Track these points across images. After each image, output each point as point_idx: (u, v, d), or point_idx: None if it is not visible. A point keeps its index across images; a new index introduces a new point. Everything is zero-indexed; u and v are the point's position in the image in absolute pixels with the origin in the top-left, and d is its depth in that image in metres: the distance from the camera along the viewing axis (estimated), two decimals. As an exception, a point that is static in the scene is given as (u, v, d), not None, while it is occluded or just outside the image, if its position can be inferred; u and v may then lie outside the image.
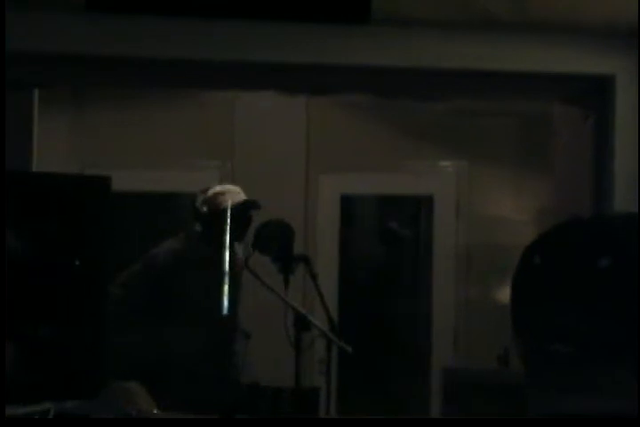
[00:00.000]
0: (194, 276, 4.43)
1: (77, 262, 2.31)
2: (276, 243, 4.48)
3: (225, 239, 4.37)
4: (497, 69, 4.22)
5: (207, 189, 4.59)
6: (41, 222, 2.24)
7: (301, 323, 4.30)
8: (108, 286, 4.54)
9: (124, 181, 4.96)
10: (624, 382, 1.16)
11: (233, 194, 4.51)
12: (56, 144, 5.98)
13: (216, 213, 4.40)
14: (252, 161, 6.25)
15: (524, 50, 4.20)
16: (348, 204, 6.64)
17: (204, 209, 4.44)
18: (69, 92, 5.69)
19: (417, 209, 6.79)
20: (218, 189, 4.55)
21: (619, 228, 1.22)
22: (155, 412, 1.46)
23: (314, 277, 4.45)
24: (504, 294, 6.31)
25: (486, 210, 6.55)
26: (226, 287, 4.21)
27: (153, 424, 1.30)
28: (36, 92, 4.48)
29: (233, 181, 5.87)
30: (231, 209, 4.40)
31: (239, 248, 4.56)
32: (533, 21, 4.13)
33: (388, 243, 6.54)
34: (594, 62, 4.20)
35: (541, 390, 1.20)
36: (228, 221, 4.33)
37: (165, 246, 4.71)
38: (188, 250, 4.53)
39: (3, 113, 3.87)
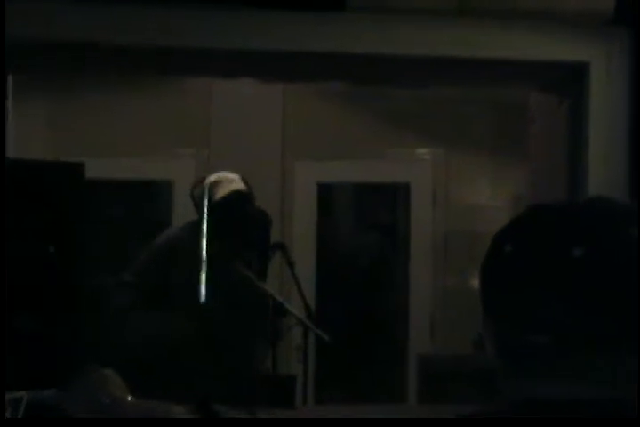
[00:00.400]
0: (189, 265, 4.40)
1: (52, 249, 2.30)
2: (254, 231, 4.48)
3: (217, 229, 4.36)
4: (473, 57, 4.21)
5: (204, 178, 4.56)
6: (14, 209, 2.22)
7: (278, 310, 4.30)
8: (120, 274, 4.55)
9: (100, 168, 4.95)
10: (600, 369, 1.16)
11: (226, 183, 4.47)
12: (31, 131, 5.95)
13: (209, 203, 4.38)
14: (228, 148, 6.24)
15: (499, 37, 4.21)
16: (325, 191, 6.64)
17: (198, 199, 4.42)
18: (44, 79, 5.65)
19: (394, 197, 6.80)
20: (213, 178, 4.51)
21: (592, 215, 1.21)
22: (129, 399, 1.46)
23: (291, 264, 4.45)
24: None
25: (463, 197, 6.57)
26: (217, 278, 4.22)
27: (153, 424, 1.30)
28: (10, 79, 4.45)
29: (209, 169, 5.86)
30: (223, 199, 4.38)
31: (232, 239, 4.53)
32: (509, 9, 4.13)
33: (375, 236, 6.58)
34: (569, 50, 4.20)
35: (512, 377, 1.20)
36: (220, 211, 4.33)
37: (166, 235, 4.69)
38: (187, 239, 4.50)
39: (3, 112, 3.85)
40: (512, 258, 1.20)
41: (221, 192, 4.43)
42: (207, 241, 4.32)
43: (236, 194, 4.45)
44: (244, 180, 4.54)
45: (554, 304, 1.16)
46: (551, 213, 1.23)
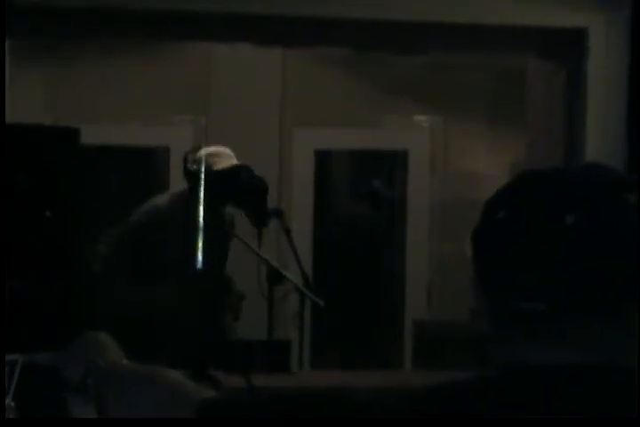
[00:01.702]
0: (177, 233, 4.40)
1: (48, 214, 2.29)
2: (250, 197, 4.48)
3: (214, 198, 4.36)
4: (471, 23, 4.20)
5: (199, 148, 4.54)
6: (11, 173, 2.22)
7: (274, 277, 4.31)
8: (95, 243, 4.54)
9: (98, 134, 4.94)
10: (593, 335, 1.17)
11: (225, 157, 4.47)
12: (29, 97, 5.93)
13: (207, 173, 4.37)
14: (226, 115, 6.22)
15: (497, 3, 4.19)
16: (323, 158, 6.63)
17: (195, 168, 4.40)
18: (42, 44, 5.63)
19: (392, 164, 6.79)
20: (211, 149, 4.50)
21: (586, 181, 1.21)
22: (124, 362, 1.46)
23: (288, 231, 4.45)
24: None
25: (461, 165, 6.56)
26: (212, 245, 4.23)
27: (153, 424, 1.30)
28: (9, 44, 4.43)
29: (207, 135, 5.85)
30: (223, 171, 4.38)
31: (228, 209, 4.53)
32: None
33: (371, 203, 6.55)
34: (567, 16, 4.18)
35: (503, 343, 1.20)
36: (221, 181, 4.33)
37: (150, 204, 4.67)
38: (172, 207, 4.49)
39: (3, 105, 3.84)
40: (505, 224, 1.20)
41: (221, 164, 4.42)
42: (203, 209, 4.32)
43: (237, 167, 4.44)
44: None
45: (547, 271, 1.16)
46: (545, 179, 1.22)
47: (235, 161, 4.46)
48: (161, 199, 4.65)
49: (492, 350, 1.22)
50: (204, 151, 4.46)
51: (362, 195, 6.60)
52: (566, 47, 4.29)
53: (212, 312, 4.47)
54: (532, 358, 1.18)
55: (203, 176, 4.28)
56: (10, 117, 4.40)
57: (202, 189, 4.25)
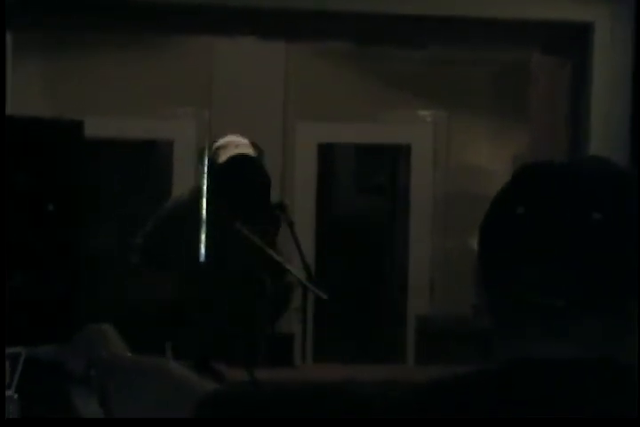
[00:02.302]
0: (193, 228, 4.41)
1: (51, 207, 2.29)
2: (254, 191, 4.48)
3: (219, 192, 4.36)
4: (475, 17, 4.19)
5: (215, 142, 4.54)
6: (12, 166, 2.21)
7: (277, 271, 4.31)
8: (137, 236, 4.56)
9: (100, 127, 4.93)
10: (600, 330, 1.17)
11: (232, 148, 4.45)
12: (31, 89, 5.92)
13: (213, 166, 4.38)
14: (229, 108, 6.21)
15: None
16: (326, 152, 6.63)
17: (206, 162, 4.41)
18: (43, 36, 5.62)
19: (395, 159, 6.79)
20: (221, 141, 4.49)
21: (603, 176, 1.20)
22: (127, 354, 1.46)
23: (291, 224, 4.45)
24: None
25: (463, 159, 6.56)
26: (218, 239, 4.23)
27: (153, 424, 1.30)
28: (10, 37, 4.42)
29: (210, 129, 5.84)
30: (225, 163, 4.37)
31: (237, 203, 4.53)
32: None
33: (376, 197, 6.57)
34: (573, 10, 4.17)
35: (512, 339, 1.20)
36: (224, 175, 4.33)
37: (175, 198, 4.70)
38: (194, 202, 4.50)
39: (3, 102, 3.83)
40: (525, 221, 1.18)
41: (224, 156, 4.42)
42: (208, 203, 4.32)
43: (237, 158, 4.43)
44: (255, 144, 4.50)
45: (569, 267, 1.15)
46: (562, 173, 1.21)
47: (238, 150, 4.44)
48: (183, 193, 4.67)
49: (497, 344, 1.22)
50: (215, 145, 4.47)
51: (368, 189, 6.61)
52: (571, 41, 4.28)
53: (221, 305, 4.47)
54: (540, 353, 1.17)
55: (205, 169, 4.28)
56: (11, 110, 4.40)
57: (205, 182, 4.25)
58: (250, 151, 4.45)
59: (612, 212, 1.17)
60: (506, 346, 1.21)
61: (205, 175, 4.33)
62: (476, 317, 5.86)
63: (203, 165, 4.33)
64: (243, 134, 4.60)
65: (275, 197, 4.68)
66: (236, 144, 4.47)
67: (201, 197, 4.32)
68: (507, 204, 1.21)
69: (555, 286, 1.16)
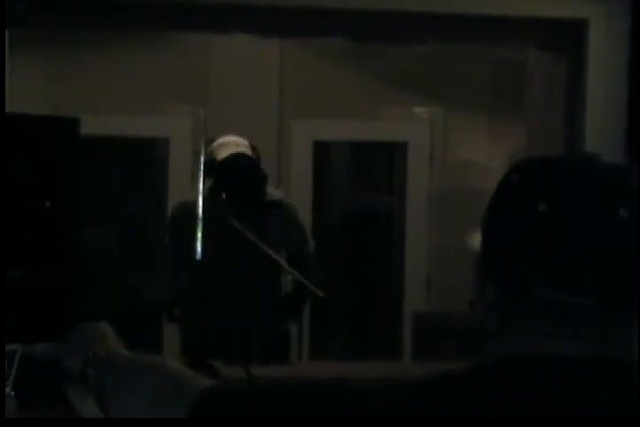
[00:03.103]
0: (196, 225, 4.42)
1: (48, 204, 2.29)
2: (250, 190, 4.48)
3: (217, 190, 4.37)
4: (471, 14, 4.19)
5: (213, 140, 4.55)
6: (10, 163, 2.21)
7: (274, 268, 4.31)
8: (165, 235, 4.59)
9: (97, 125, 4.93)
10: (621, 335, 1.17)
11: (232, 146, 4.46)
12: (28, 87, 5.92)
13: (211, 164, 4.38)
14: (225, 106, 6.21)
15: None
16: (322, 150, 6.63)
17: (205, 161, 4.42)
18: (42, 33, 5.61)
19: (391, 156, 6.79)
20: (222, 139, 4.50)
21: (626, 175, 1.20)
22: (124, 352, 1.46)
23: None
24: (478, 238, 6.33)
25: (460, 156, 6.56)
26: (216, 236, 4.23)
27: (153, 424, 1.30)
28: (9, 34, 4.42)
29: (206, 126, 5.84)
30: (223, 162, 4.38)
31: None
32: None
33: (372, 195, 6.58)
34: (568, 7, 4.18)
35: (515, 335, 1.20)
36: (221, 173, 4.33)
37: (180, 201, 4.72)
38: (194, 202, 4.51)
39: (3, 101, 3.83)
40: (548, 218, 1.16)
41: (224, 153, 4.42)
42: (205, 199, 4.32)
43: (237, 156, 4.43)
44: (254, 147, 4.52)
45: (600, 266, 1.14)
46: (588, 170, 1.19)
47: (238, 149, 4.45)
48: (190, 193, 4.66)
49: (497, 341, 1.21)
50: (214, 143, 4.47)
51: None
52: (567, 38, 4.28)
53: (219, 301, 4.47)
54: (546, 350, 1.17)
55: (202, 168, 4.28)
56: (9, 107, 4.40)
57: (201, 180, 4.25)
58: (249, 152, 4.46)
59: (637, 208, 1.16)
60: (500, 342, 1.20)
61: (201, 171, 4.33)
62: (472, 311, 5.86)
63: (200, 160, 4.33)
64: (239, 132, 4.60)
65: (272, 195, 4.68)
66: (236, 143, 4.48)
67: (209, 198, 4.33)
68: (526, 200, 1.19)
69: (584, 285, 1.15)
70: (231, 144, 4.47)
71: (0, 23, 3.74)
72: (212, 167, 4.37)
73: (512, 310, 1.20)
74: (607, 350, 1.16)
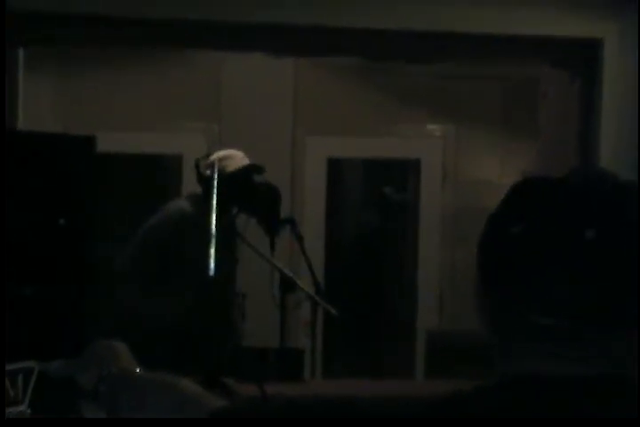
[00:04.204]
0: (197, 237, 4.39)
1: (62, 221, 2.30)
2: (263, 205, 4.48)
3: (227, 203, 4.36)
4: (486, 32, 4.20)
5: (211, 154, 4.55)
6: (26, 181, 2.23)
7: (287, 285, 4.31)
8: (116, 257, 4.51)
9: (109, 142, 4.95)
10: (612, 352, 1.17)
11: (237, 159, 4.47)
12: (41, 104, 5.95)
13: (219, 177, 4.37)
14: (238, 123, 6.23)
15: (512, 13, 4.19)
16: (335, 167, 6.64)
17: (208, 173, 4.40)
18: (54, 51, 5.65)
19: (404, 173, 6.79)
20: (222, 153, 4.51)
21: (598, 192, 1.19)
22: (137, 371, 1.46)
23: (300, 239, 4.45)
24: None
25: (473, 173, 6.56)
26: (223, 250, 4.23)
27: (153, 424, 1.30)
28: (21, 52, 4.45)
29: (220, 143, 5.85)
30: (234, 173, 4.38)
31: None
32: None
33: (382, 208, 6.55)
34: (582, 26, 4.19)
35: (511, 354, 1.20)
36: (232, 184, 4.33)
37: (172, 207, 4.63)
38: (196, 212, 4.47)
39: (3, 111, 3.85)
40: (521, 240, 1.17)
41: (233, 166, 4.42)
42: (216, 215, 4.32)
43: (247, 168, 4.44)
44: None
45: (569, 286, 1.15)
46: (557, 191, 1.20)
47: (246, 161, 4.46)
48: (184, 203, 4.61)
49: (497, 359, 1.22)
50: (215, 156, 4.47)
51: (375, 199, 6.61)
52: (580, 57, 4.29)
53: (225, 317, 4.47)
54: (541, 370, 1.17)
55: (215, 181, 4.28)
56: (22, 125, 4.43)
57: (215, 194, 4.24)
58: (253, 163, 4.48)
59: (606, 228, 1.16)
60: (506, 361, 1.21)
61: (214, 187, 4.32)
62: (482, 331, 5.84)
63: (211, 174, 4.31)
64: (252, 149, 4.61)
65: (284, 211, 4.68)
66: (241, 156, 4.49)
67: (201, 208, 4.30)
68: (502, 222, 1.21)
69: (554, 306, 1.15)
70: (237, 157, 4.48)
71: (0, 35, 3.76)
72: (223, 179, 4.35)
73: (502, 328, 1.21)
74: (605, 367, 1.16)
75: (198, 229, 4.35)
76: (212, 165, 4.41)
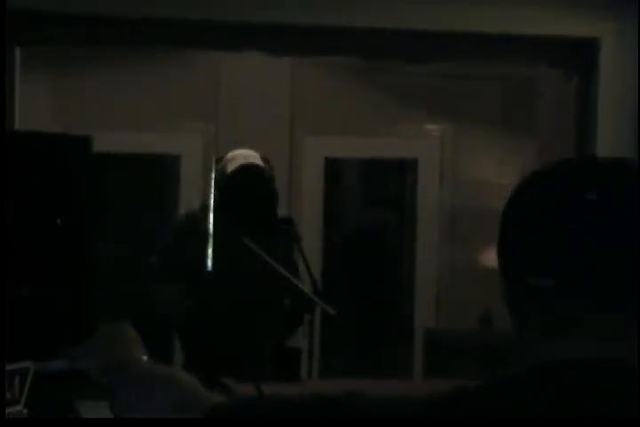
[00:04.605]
0: (202, 241, 4.41)
1: (59, 221, 2.30)
2: (260, 205, 4.48)
3: (226, 204, 4.37)
4: (483, 32, 4.20)
5: (225, 155, 4.56)
6: (22, 181, 2.23)
7: (285, 285, 4.31)
8: (149, 257, 4.56)
9: (108, 142, 4.95)
10: (617, 326, 1.17)
11: (240, 159, 4.46)
12: (38, 104, 5.95)
13: (221, 177, 4.38)
14: (236, 123, 6.23)
15: (510, 12, 4.19)
16: (333, 166, 6.64)
17: (214, 175, 4.42)
18: (52, 51, 5.64)
19: (401, 173, 6.79)
20: (232, 154, 4.51)
21: (606, 165, 1.22)
22: (144, 359, 1.45)
23: (298, 239, 4.45)
24: (488, 255, 6.33)
25: (471, 173, 6.56)
26: (226, 252, 4.23)
27: (153, 424, 1.29)
28: (18, 51, 4.45)
29: (217, 143, 5.86)
30: (233, 173, 4.38)
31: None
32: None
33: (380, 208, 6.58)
34: (580, 25, 4.19)
35: (530, 337, 1.19)
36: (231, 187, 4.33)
37: (186, 212, 4.71)
38: (204, 216, 4.50)
39: (3, 112, 3.86)
40: (523, 205, 1.22)
41: (232, 166, 4.43)
42: (215, 215, 4.33)
43: (244, 168, 4.44)
44: (266, 159, 4.51)
45: (563, 247, 1.16)
46: (567, 165, 1.24)
47: (245, 161, 4.45)
48: (194, 210, 4.66)
49: (517, 349, 1.21)
50: (225, 158, 4.48)
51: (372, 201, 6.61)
52: (577, 57, 4.29)
53: (228, 319, 4.46)
54: (557, 355, 1.16)
55: (213, 182, 4.29)
56: (19, 125, 4.43)
57: (212, 194, 4.26)
58: (259, 163, 4.46)
59: (608, 190, 1.17)
60: (529, 349, 1.19)
61: (213, 187, 4.34)
62: (482, 328, 5.85)
63: (212, 177, 4.34)
64: (250, 148, 4.61)
65: (282, 211, 4.68)
66: (244, 156, 4.48)
67: (210, 211, 4.33)
68: (515, 192, 1.24)
69: (553, 268, 1.16)
70: (239, 157, 4.47)
71: (0, 36, 3.76)
72: (222, 181, 4.37)
73: (511, 295, 1.21)
74: (618, 351, 1.16)
75: (203, 230, 4.37)
76: (218, 168, 4.42)
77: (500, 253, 1.23)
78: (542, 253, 1.17)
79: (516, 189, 1.25)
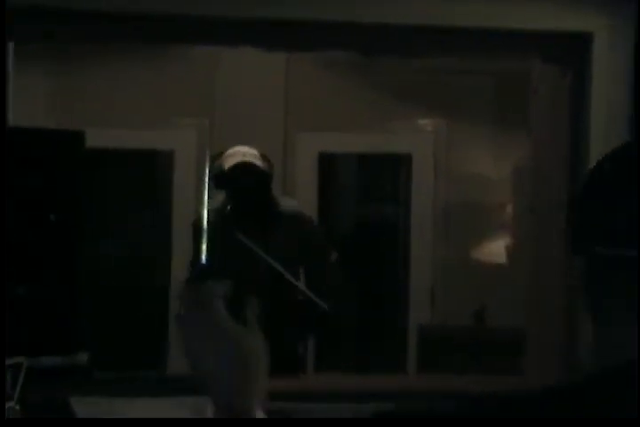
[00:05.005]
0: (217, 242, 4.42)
1: (52, 217, 2.30)
2: (256, 203, 4.48)
3: (224, 200, 4.37)
4: (476, 27, 4.19)
5: (222, 152, 4.55)
6: (15, 177, 2.22)
7: (278, 280, 4.31)
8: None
9: (101, 138, 4.94)
10: None
11: (238, 156, 4.46)
12: (32, 100, 5.94)
13: (218, 174, 4.39)
14: (230, 118, 6.23)
15: (501, 7, 4.19)
16: (327, 162, 6.64)
17: (211, 170, 4.43)
18: (46, 46, 5.63)
19: (395, 168, 6.79)
20: (230, 150, 4.51)
21: None
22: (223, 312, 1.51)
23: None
24: (482, 251, 6.34)
25: (464, 168, 6.56)
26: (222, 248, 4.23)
27: (153, 424, 1.30)
28: (12, 47, 4.44)
29: (211, 139, 5.85)
30: (229, 170, 4.38)
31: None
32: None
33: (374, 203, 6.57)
34: (573, 20, 4.18)
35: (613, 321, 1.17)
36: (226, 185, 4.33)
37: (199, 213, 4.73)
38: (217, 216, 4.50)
39: (3, 105, 3.84)
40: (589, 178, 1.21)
41: (229, 164, 4.43)
42: (215, 213, 4.32)
43: (240, 165, 4.44)
44: (264, 156, 4.51)
45: (630, 215, 1.14)
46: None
47: (242, 158, 4.45)
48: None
49: (601, 344, 1.16)
50: (224, 155, 4.48)
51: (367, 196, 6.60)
52: (571, 52, 4.28)
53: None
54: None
55: (206, 180, 4.29)
56: (13, 121, 4.41)
57: (206, 192, 4.26)
58: (256, 161, 4.46)
59: None
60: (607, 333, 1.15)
61: (206, 183, 4.34)
62: (476, 324, 5.84)
63: (209, 173, 4.34)
64: (244, 144, 4.61)
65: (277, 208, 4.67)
66: (243, 153, 4.48)
67: (204, 207, 4.33)
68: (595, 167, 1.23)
69: (620, 237, 1.13)
70: (238, 154, 4.47)
71: (1, 32, 3.75)
72: (219, 178, 4.38)
73: (582, 267, 1.19)
74: None
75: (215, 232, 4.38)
76: (216, 165, 4.43)
77: (579, 227, 1.20)
78: (606, 223, 1.15)
79: (600, 160, 1.23)
